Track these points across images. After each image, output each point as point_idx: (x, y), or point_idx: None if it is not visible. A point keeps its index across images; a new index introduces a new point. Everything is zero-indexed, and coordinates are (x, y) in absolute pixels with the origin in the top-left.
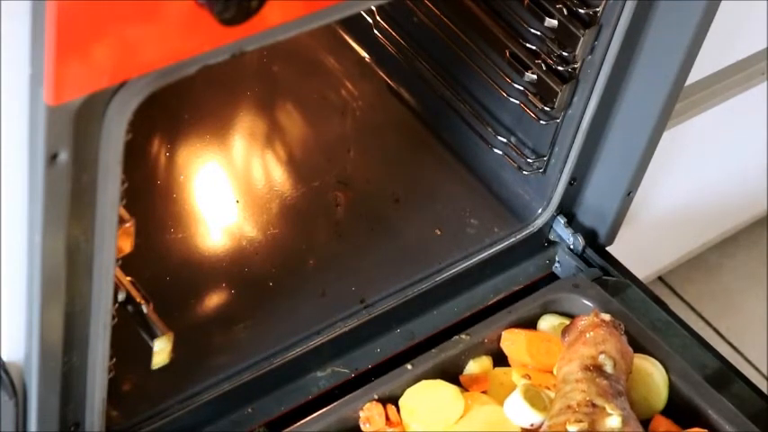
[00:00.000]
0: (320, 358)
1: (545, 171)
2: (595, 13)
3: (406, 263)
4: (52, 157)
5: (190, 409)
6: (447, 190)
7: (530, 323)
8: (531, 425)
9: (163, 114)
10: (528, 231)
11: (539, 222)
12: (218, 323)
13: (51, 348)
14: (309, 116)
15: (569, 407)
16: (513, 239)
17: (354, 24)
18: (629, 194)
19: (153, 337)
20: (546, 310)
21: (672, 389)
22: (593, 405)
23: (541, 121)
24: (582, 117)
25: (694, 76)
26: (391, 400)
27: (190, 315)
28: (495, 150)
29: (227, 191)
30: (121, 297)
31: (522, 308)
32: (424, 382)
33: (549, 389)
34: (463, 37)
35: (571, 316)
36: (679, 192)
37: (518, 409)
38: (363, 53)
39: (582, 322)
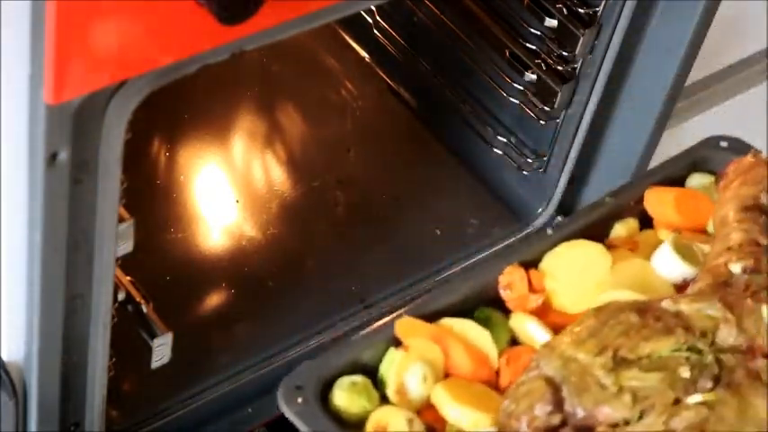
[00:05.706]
0: None
1: (545, 171)
2: (595, 12)
3: (406, 263)
4: (52, 157)
5: (190, 409)
6: (447, 190)
7: (677, 183)
8: (684, 280)
9: (163, 114)
10: (528, 231)
11: (539, 222)
12: (218, 323)
13: (51, 348)
14: (309, 116)
15: (729, 248)
16: (513, 239)
17: (354, 24)
18: None
19: (153, 336)
20: (695, 168)
21: None
22: (757, 244)
23: (541, 121)
24: (582, 117)
25: (694, 76)
26: (532, 266)
27: (190, 315)
28: (495, 150)
29: (227, 191)
30: (121, 297)
31: (668, 167)
32: (564, 244)
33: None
34: (463, 37)
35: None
36: None
37: (668, 262)
38: (363, 53)
39: (737, 165)
